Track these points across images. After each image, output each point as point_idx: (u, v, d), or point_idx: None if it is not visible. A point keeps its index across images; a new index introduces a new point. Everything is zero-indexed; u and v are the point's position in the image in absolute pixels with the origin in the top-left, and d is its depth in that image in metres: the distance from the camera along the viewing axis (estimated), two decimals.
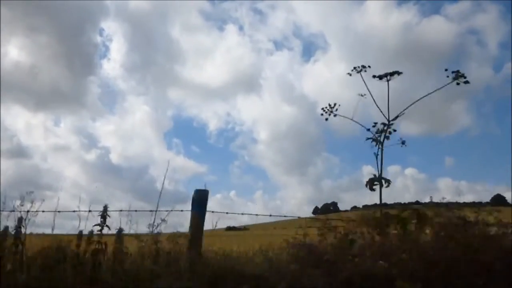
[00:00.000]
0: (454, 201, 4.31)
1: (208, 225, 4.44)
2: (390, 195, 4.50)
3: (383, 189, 4.32)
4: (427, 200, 4.62)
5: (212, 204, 4.47)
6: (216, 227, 4.72)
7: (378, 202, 4.33)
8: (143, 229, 4.87)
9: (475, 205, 4.31)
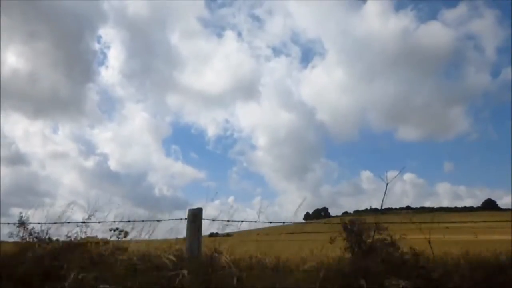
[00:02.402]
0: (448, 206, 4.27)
1: None
2: (388, 201, 4.47)
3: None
4: (421, 205, 4.60)
5: (210, 209, 4.71)
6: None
7: (374, 206, 4.36)
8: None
9: (467, 210, 4.24)
